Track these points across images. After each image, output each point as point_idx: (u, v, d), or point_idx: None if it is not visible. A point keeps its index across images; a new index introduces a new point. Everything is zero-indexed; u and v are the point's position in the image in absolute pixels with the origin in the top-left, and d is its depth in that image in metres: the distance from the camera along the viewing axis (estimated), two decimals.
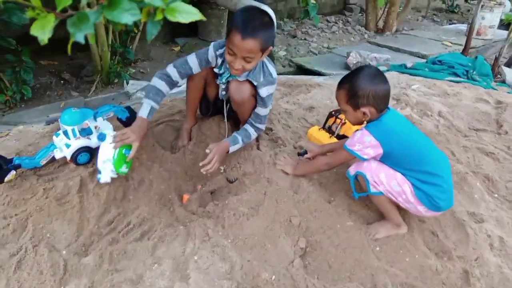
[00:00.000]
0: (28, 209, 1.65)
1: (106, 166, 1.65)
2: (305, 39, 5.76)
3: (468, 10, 8.59)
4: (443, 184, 1.65)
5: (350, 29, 6.33)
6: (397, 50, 5.12)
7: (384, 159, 1.67)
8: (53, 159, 1.81)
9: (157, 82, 1.88)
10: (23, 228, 1.59)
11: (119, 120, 2.06)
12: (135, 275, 1.43)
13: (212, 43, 1.94)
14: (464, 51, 4.38)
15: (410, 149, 1.65)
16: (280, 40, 5.57)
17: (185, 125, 2.23)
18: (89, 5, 0.88)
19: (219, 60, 1.94)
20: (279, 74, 4.37)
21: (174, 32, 4.93)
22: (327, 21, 6.66)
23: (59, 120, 1.79)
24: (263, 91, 1.93)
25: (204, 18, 0.87)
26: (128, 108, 2.04)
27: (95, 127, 1.87)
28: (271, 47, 1.79)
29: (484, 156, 2.36)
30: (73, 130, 1.77)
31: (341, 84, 1.70)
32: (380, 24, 6.40)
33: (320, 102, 2.90)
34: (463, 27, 6.22)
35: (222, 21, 5.09)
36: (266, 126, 2.43)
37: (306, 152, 2.13)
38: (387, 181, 1.66)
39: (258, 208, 1.75)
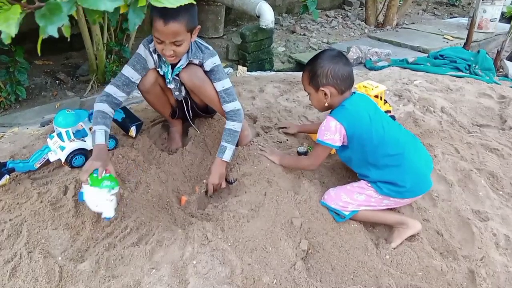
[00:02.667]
0: (23, 214, 1.61)
1: (101, 205, 1.54)
2: (304, 34, 5.71)
3: (469, 3, 8.49)
4: (403, 163, 1.67)
5: (350, 24, 6.27)
6: (398, 44, 5.06)
7: (350, 143, 1.71)
8: (47, 162, 1.77)
9: (100, 106, 1.76)
10: (18, 234, 1.55)
11: (115, 121, 2.01)
12: (133, 281, 1.39)
13: (141, 43, 1.88)
14: (466, 45, 4.32)
15: (370, 132, 1.67)
16: (279, 36, 5.52)
17: (172, 128, 2.19)
18: None
19: (155, 57, 1.87)
20: (278, 70, 4.38)
21: None
22: (327, 16, 6.60)
23: (53, 122, 1.75)
24: (208, 64, 1.87)
25: (193, 1, 0.81)
26: (124, 109, 2.00)
27: (90, 129, 1.82)
28: (198, 26, 1.76)
29: (488, 153, 2.32)
30: (67, 132, 1.73)
31: (305, 66, 1.76)
32: (381, 18, 6.33)
33: None
34: (464, 20, 6.15)
35: (219, 17, 5.04)
36: (265, 125, 2.40)
37: (306, 151, 2.09)
38: (350, 198, 1.72)
39: (258, 210, 1.71)
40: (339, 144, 1.70)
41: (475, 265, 1.63)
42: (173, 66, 1.88)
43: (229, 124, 1.93)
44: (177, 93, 2.03)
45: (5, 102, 2.91)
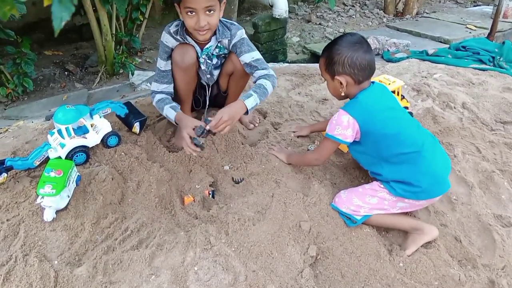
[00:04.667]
0: (21, 213, 1.56)
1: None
2: (320, 23, 5.55)
3: None
4: (419, 161, 1.56)
5: (368, 13, 6.08)
6: (418, 35, 4.88)
7: (363, 139, 1.61)
8: (47, 160, 1.71)
9: (157, 97, 1.92)
10: (15, 235, 1.50)
11: (118, 116, 1.95)
12: None
13: (161, 36, 1.94)
14: (490, 36, 4.14)
15: (386, 128, 1.57)
16: (294, 25, 5.38)
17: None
18: None
19: (179, 39, 1.89)
20: (292, 62, 4.25)
21: None
22: (344, 4, 6.41)
23: (52, 118, 1.69)
24: (236, 38, 1.90)
25: None
26: (128, 104, 1.94)
27: (92, 125, 1.76)
28: (225, 0, 1.78)
29: None
30: (67, 129, 1.66)
31: (322, 51, 1.66)
32: (400, 7, 6.13)
33: None
34: (489, 9, 5.90)
35: (232, 6, 4.91)
36: (275, 121, 2.31)
37: None
38: (362, 201, 1.63)
39: (265, 212, 1.64)
40: (350, 140, 1.60)
41: (496, 274, 1.55)
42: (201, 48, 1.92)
43: (262, 81, 1.84)
44: (208, 76, 2.04)
45: (12, 94, 2.88)
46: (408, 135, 1.59)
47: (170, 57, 1.92)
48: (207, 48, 1.90)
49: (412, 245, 1.61)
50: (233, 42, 1.89)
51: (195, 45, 1.89)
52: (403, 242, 1.67)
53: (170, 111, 1.83)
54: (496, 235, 1.68)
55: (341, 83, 1.59)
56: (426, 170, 1.58)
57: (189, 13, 1.69)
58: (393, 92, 2.12)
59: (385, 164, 1.61)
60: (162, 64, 1.93)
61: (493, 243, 1.66)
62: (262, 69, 1.88)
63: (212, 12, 1.70)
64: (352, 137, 1.60)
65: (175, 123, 1.84)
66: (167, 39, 1.89)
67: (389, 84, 2.09)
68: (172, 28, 1.87)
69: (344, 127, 1.58)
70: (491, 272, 1.56)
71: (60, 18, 0.67)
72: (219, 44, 1.92)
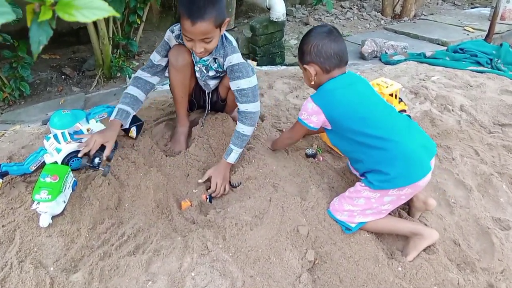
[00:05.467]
0: (16, 219, 1.54)
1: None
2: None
3: None
4: (390, 146, 1.53)
5: (366, 15, 6.07)
6: (416, 37, 4.87)
7: (334, 126, 1.63)
8: (43, 165, 1.70)
9: (128, 89, 1.88)
10: (10, 241, 1.49)
11: None
12: None
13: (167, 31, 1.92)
14: (488, 38, 4.14)
15: (352, 114, 1.58)
16: (292, 28, 5.37)
17: (179, 128, 2.10)
18: None
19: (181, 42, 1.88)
20: (289, 65, 4.24)
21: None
22: (341, 6, 6.40)
23: (48, 123, 1.68)
24: (226, 63, 1.85)
25: (117, 15, 0.67)
26: None
27: (88, 130, 1.75)
28: (227, 19, 1.71)
29: (511, 155, 2.17)
30: (63, 134, 1.65)
31: None
32: (398, 9, 6.11)
33: None
34: (486, 11, 5.89)
35: (230, 9, 4.91)
36: (272, 124, 2.30)
37: (315, 154, 1.99)
38: (352, 205, 1.62)
39: (262, 217, 1.62)
40: (315, 126, 1.66)
41: (495, 278, 1.54)
42: None
43: (239, 127, 1.86)
44: (203, 83, 2.05)
45: (9, 98, 2.87)
46: (376, 119, 1.57)
47: (167, 55, 1.93)
48: (204, 60, 1.90)
49: (413, 250, 1.59)
50: (225, 65, 1.86)
51: (193, 54, 1.90)
52: (404, 247, 1.65)
53: (115, 111, 1.81)
54: (495, 239, 1.67)
55: (310, 72, 1.63)
56: (398, 153, 1.52)
57: (185, 37, 1.69)
58: (391, 95, 2.11)
59: (359, 151, 1.60)
60: (157, 58, 1.93)
61: (492, 247, 1.65)
62: (243, 102, 1.84)
63: (209, 40, 1.67)
64: (317, 123, 1.64)
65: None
66: (170, 38, 1.90)
67: (387, 87, 2.07)
68: (176, 32, 1.87)
69: (309, 113, 1.64)
70: (490, 276, 1.54)
71: (38, 42, 0.66)
72: (216, 60, 1.90)
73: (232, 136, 1.86)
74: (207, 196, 1.78)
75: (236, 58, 1.83)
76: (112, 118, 1.79)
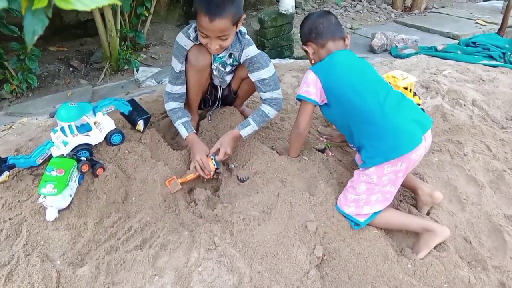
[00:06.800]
0: (23, 212, 1.54)
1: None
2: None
3: None
4: (378, 118, 1.55)
5: (376, 8, 6.00)
6: (427, 30, 4.81)
7: (330, 99, 1.68)
8: (50, 158, 1.69)
9: (169, 106, 1.93)
10: (17, 234, 1.48)
11: (122, 114, 1.93)
12: None
13: (178, 35, 1.86)
14: (500, 31, 4.06)
15: (344, 79, 1.64)
16: (300, 21, 5.32)
17: None
18: None
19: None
20: (298, 57, 4.20)
21: (189, 14, 4.74)
22: None
23: (55, 116, 1.66)
24: (243, 56, 1.85)
25: (119, 3, 0.63)
26: (132, 101, 1.91)
27: (95, 123, 1.73)
28: (243, 16, 1.71)
29: None
30: (70, 127, 1.64)
31: None
32: (408, 1, 6.04)
33: None
34: (499, 4, 5.80)
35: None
36: (281, 117, 2.27)
37: (324, 149, 1.96)
38: (355, 194, 1.61)
39: (270, 212, 1.61)
40: (315, 98, 1.69)
41: (507, 277, 1.51)
42: None
43: (265, 108, 1.89)
44: (220, 80, 2.03)
45: (16, 90, 2.87)
46: (367, 91, 1.60)
47: (186, 59, 1.88)
48: (220, 57, 1.89)
49: (424, 247, 1.56)
50: (242, 59, 1.86)
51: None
52: (414, 245, 1.62)
53: (182, 129, 1.88)
54: (507, 236, 1.64)
55: (308, 52, 1.76)
56: (386, 127, 1.54)
57: (201, 34, 1.67)
58: (405, 88, 2.07)
59: (351, 125, 1.64)
60: (178, 66, 1.88)
61: (504, 244, 1.62)
62: (266, 91, 1.87)
63: (225, 37, 1.67)
64: (317, 95, 1.68)
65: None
66: (185, 42, 1.83)
67: (402, 80, 2.04)
68: (192, 34, 1.81)
69: (307, 84, 1.69)
70: (501, 274, 1.52)
71: (33, 32, 0.61)
72: (231, 55, 1.90)
73: (254, 112, 1.89)
74: (212, 157, 1.80)
75: (252, 50, 1.84)
76: (185, 136, 1.87)
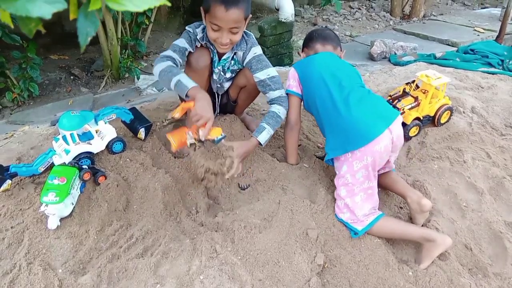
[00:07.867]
0: (25, 221, 1.54)
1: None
2: (326, 27, 5.51)
3: None
4: (333, 117, 1.66)
5: (374, 16, 6.04)
6: (425, 37, 4.83)
7: (304, 89, 1.85)
8: (52, 166, 1.70)
9: (166, 63, 1.71)
10: (19, 243, 1.48)
11: (123, 122, 1.93)
12: None
13: (187, 27, 1.88)
14: (498, 38, 4.08)
15: (315, 71, 1.78)
16: (300, 29, 5.35)
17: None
18: None
19: (201, 45, 1.88)
20: None
21: (189, 21, 4.77)
22: (350, 7, 6.37)
23: (57, 124, 1.67)
24: (250, 55, 1.89)
25: (168, 4, 0.63)
26: (133, 110, 1.92)
27: (96, 131, 1.74)
28: (250, 15, 1.78)
29: None
30: (72, 135, 1.65)
31: None
32: (407, 9, 6.07)
33: None
34: (497, 11, 5.83)
35: None
36: (279, 129, 2.28)
37: (324, 156, 1.97)
38: (341, 198, 1.64)
39: (271, 220, 1.61)
40: (296, 90, 1.86)
41: (508, 283, 1.52)
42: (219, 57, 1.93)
43: (274, 107, 1.88)
44: (218, 85, 2.03)
45: (18, 98, 2.88)
46: (333, 86, 1.70)
47: (192, 42, 1.83)
48: (224, 59, 1.90)
49: (426, 258, 1.55)
50: (247, 58, 1.89)
51: (215, 54, 1.90)
52: (416, 255, 1.62)
53: (185, 79, 1.62)
54: (508, 243, 1.64)
55: (302, 57, 1.97)
56: (346, 119, 1.60)
57: (213, 27, 1.69)
58: (436, 88, 2.12)
59: (318, 119, 1.79)
60: (182, 42, 1.81)
61: (504, 251, 1.62)
62: (276, 89, 1.87)
63: (236, 30, 1.71)
64: (296, 87, 1.86)
65: (186, 96, 1.62)
66: (197, 32, 1.84)
67: (435, 79, 2.07)
68: (199, 33, 1.84)
69: (289, 78, 1.88)
70: (502, 281, 1.52)
71: (86, 33, 0.63)
72: (234, 56, 1.92)
73: (265, 116, 1.87)
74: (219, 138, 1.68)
75: (259, 49, 1.92)
76: (191, 86, 1.60)
